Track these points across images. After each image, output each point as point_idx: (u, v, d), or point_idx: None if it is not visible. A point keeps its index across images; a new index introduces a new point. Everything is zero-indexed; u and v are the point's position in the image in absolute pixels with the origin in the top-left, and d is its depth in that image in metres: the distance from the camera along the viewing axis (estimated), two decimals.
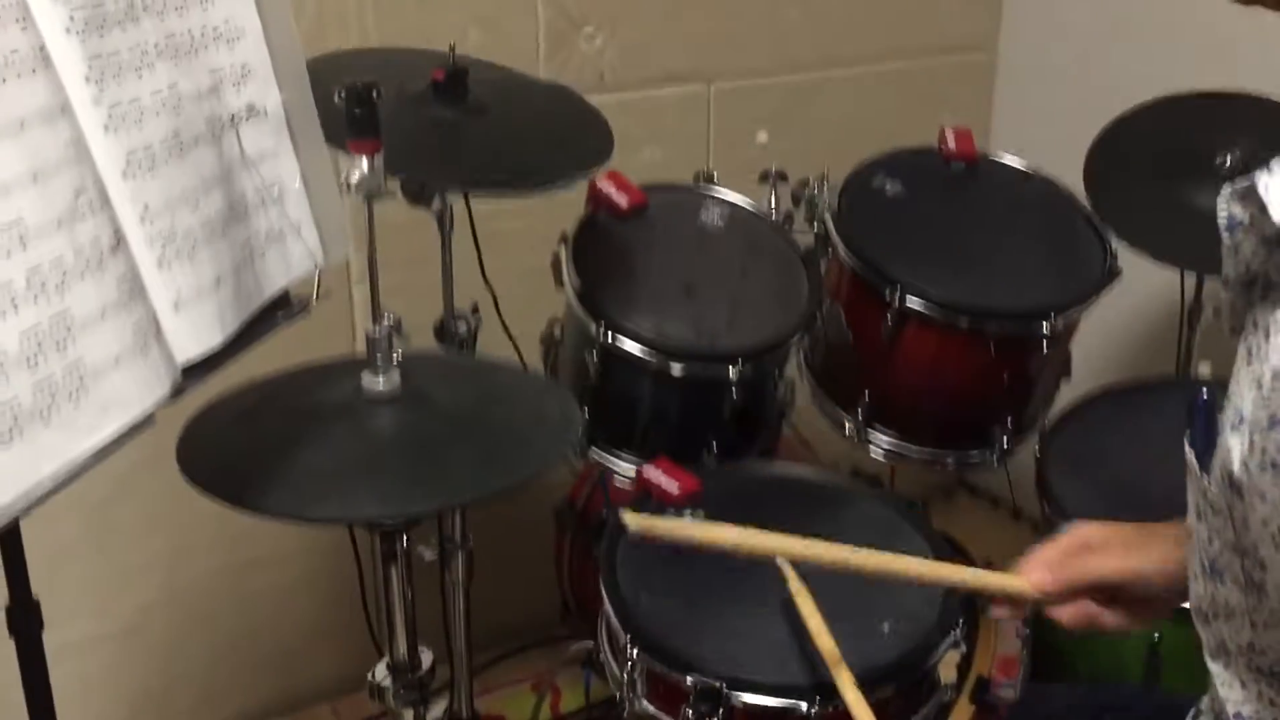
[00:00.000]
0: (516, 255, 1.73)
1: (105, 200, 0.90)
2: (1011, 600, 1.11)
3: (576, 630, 1.79)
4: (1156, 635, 1.44)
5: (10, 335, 0.81)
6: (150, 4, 0.97)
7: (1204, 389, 0.85)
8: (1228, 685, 0.89)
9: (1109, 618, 1.07)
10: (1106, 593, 1.06)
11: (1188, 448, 0.86)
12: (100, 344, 0.88)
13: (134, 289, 0.92)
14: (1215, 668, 0.91)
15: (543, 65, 1.97)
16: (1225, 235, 0.84)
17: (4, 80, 0.82)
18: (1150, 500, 1.54)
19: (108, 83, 0.92)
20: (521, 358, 1.77)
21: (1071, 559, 1.07)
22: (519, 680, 2.07)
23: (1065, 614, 1.08)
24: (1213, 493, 0.83)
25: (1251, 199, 0.80)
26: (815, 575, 1.33)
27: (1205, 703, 1.00)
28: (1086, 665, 1.55)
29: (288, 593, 2.01)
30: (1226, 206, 0.83)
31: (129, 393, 0.90)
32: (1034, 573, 1.08)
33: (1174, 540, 1.00)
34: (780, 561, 1.22)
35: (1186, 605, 0.95)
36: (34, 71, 0.84)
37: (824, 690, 1.22)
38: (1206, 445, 0.83)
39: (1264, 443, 0.78)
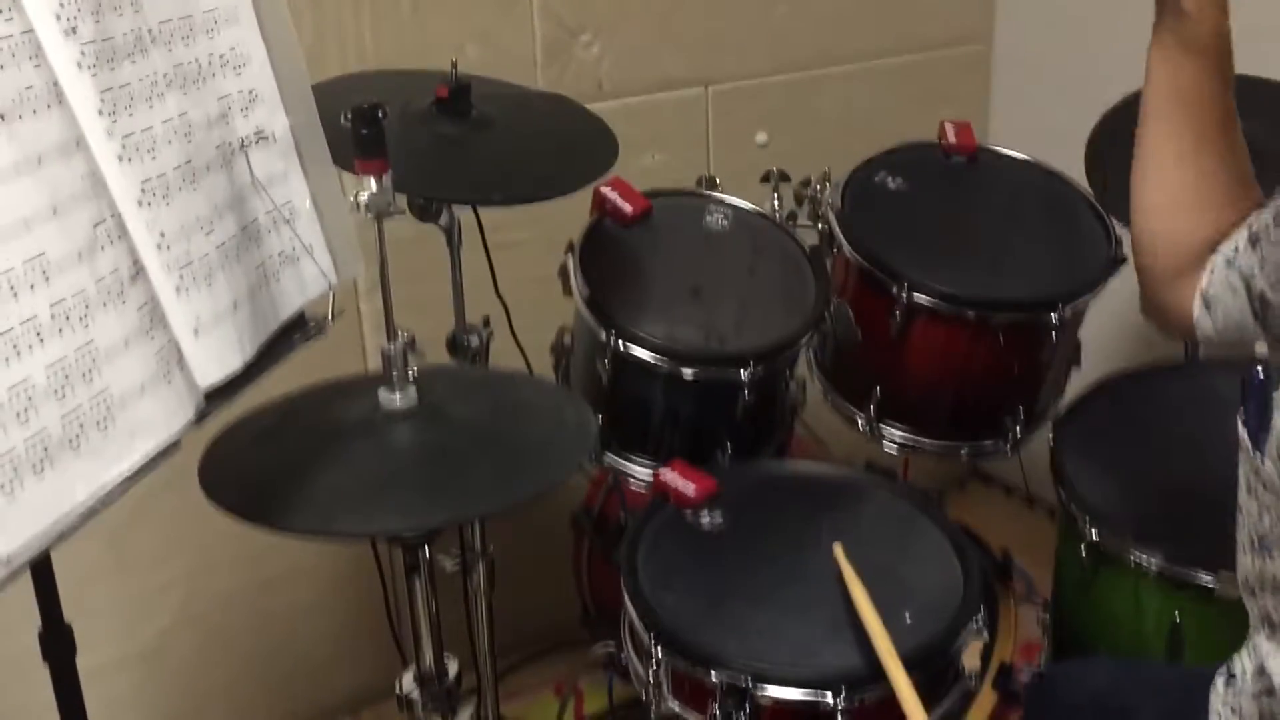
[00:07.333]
0: (523, 266, 1.74)
1: (123, 230, 0.92)
2: None
3: (596, 634, 1.79)
4: (1177, 616, 1.44)
5: (38, 368, 0.82)
6: (158, 35, 0.99)
7: (1259, 367, 0.85)
8: (1273, 656, 0.90)
9: None
10: None
11: (1240, 425, 0.86)
12: (125, 373, 0.89)
13: (155, 317, 0.93)
14: (1259, 639, 0.92)
15: (540, 76, 1.98)
16: None
17: (20, 117, 0.83)
18: (1164, 483, 1.56)
19: (120, 114, 0.94)
20: (530, 369, 1.78)
21: None
22: (542, 685, 2.09)
23: None
24: (1266, 469, 0.84)
25: None
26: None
27: (1239, 665, 0.99)
28: (1109, 647, 1.55)
29: (311, 607, 2.03)
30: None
31: (155, 419, 0.92)
32: None
33: None
34: (837, 552, 1.29)
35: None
36: (49, 107, 0.86)
37: (850, 682, 1.24)
38: (1261, 422, 0.84)
39: None
